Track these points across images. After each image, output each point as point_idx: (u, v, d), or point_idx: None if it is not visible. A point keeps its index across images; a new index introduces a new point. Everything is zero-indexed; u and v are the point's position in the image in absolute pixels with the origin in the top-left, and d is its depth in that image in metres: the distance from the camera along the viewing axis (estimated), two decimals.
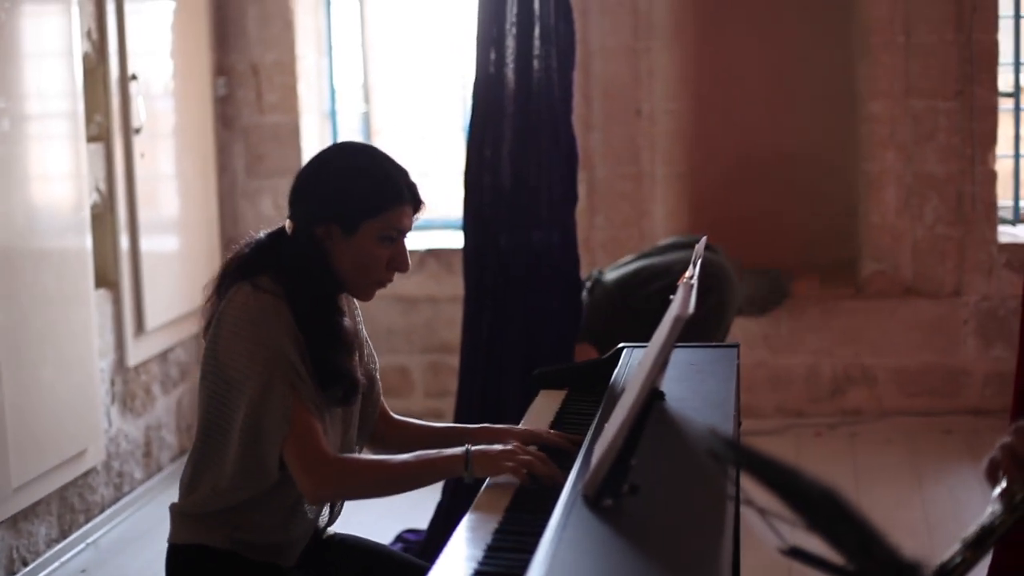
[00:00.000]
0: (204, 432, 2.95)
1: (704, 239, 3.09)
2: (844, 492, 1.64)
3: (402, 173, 3.04)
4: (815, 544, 1.95)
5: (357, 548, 3.22)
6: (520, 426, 3.12)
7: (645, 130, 6.68)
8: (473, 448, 2.84)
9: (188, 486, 3.00)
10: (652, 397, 2.39)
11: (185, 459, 3.10)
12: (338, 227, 2.95)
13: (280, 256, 2.96)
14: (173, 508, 3.04)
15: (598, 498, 2.39)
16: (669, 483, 2.55)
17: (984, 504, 2.10)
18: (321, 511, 3.09)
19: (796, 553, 2.03)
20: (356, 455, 3.05)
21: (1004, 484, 2.09)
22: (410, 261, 3.07)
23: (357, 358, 3.08)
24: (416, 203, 3.04)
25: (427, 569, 3.01)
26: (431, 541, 4.72)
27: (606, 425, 2.65)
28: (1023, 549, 4.20)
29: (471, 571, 2.32)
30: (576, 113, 4.79)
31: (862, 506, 1.68)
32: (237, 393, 2.86)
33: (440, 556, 2.40)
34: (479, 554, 2.39)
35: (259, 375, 2.82)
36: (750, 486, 2.00)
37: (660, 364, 2.38)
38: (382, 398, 3.25)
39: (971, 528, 2.09)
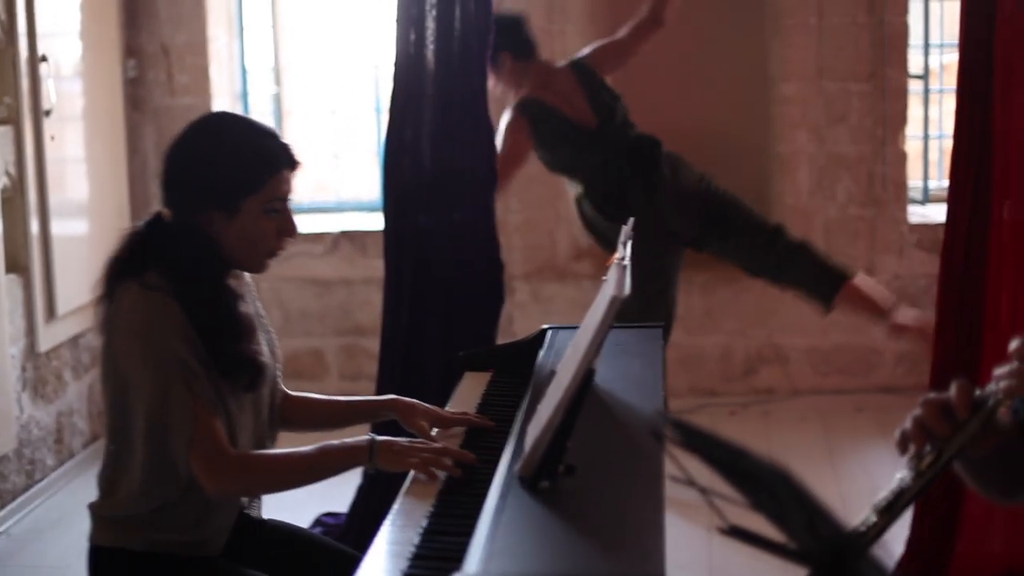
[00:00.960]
0: (111, 434, 2.91)
1: (632, 221, 3.09)
2: (793, 472, 1.64)
3: (272, 137, 2.94)
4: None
5: (285, 534, 3.19)
6: (439, 408, 3.09)
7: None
8: (379, 439, 2.81)
9: (104, 488, 2.95)
10: (589, 377, 2.39)
11: (97, 446, 3.05)
12: (219, 211, 2.87)
13: (162, 248, 2.88)
14: (92, 508, 2.98)
15: (535, 480, 2.38)
16: (605, 463, 2.56)
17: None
18: (239, 499, 3.06)
19: (736, 532, 2.04)
20: (259, 452, 2.96)
21: (912, 452, 2.12)
22: (297, 225, 2.99)
23: (261, 341, 3.02)
24: (293, 164, 2.94)
25: (353, 555, 3.01)
26: (352, 525, 4.69)
27: (539, 406, 2.64)
28: (940, 521, 4.28)
29: (409, 555, 2.31)
30: (491, 96, 4.78)
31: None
32: (135, 398, 2.80)
33: (375, 540, 2.38)
34: (415, 538, 2.38)
35: (154, 380, 2.76)
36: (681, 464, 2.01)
37: (597, 344, 2.38)
38: (279, 378, 3.19)
39: (882, 495, 2.12)
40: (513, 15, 5.79)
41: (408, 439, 2.83)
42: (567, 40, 6.65)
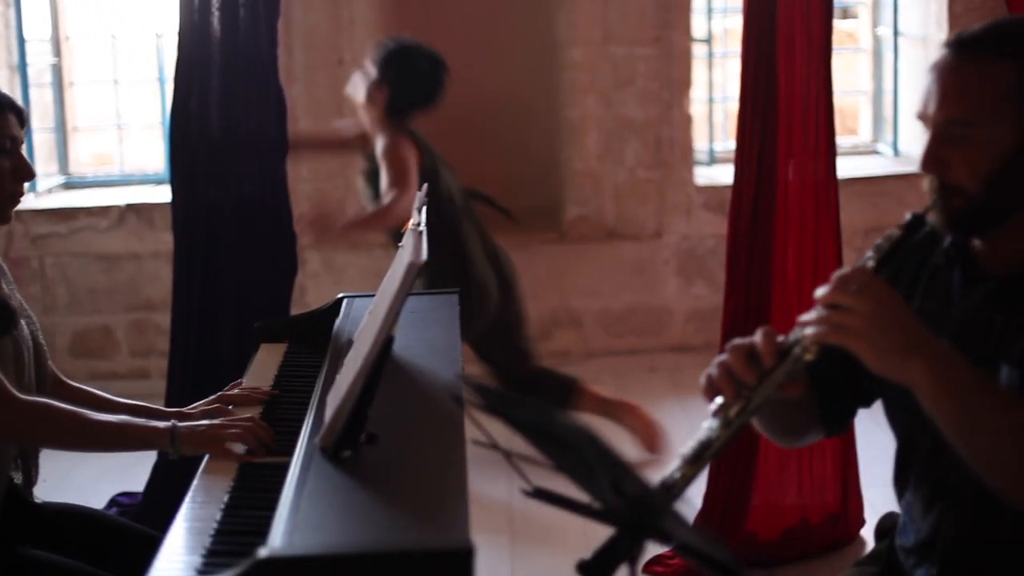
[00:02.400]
0: None
1: (426, 186, 3.08)
2: (598, 432, 1.65)
3: None
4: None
5: (75, 517, 3.10)
6: (234, 391, 3.04)
7: (349, 80, 6.61)
8: (180, 426, 2.76)
9: None
10: (389, 345, 2.37)
11: None
12: None
13: None
14: None
15: (336, 449, 2.36)
16: (407, 430, 2.55)
17: (690, 436, 2.15)
18: (12, 465, 2.94)
19: (540, 494, 2.05)
20: (49, 401, 2.86)
21: (720, 401, 2.14)
22: (33, 168, 2.98)
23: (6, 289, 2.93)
24: (17, 111, 2.93)
25: (152, 535, 2.94)
26: (149, 504, 4.60)
27: (338, 376, 2.62)
28: (736, 474, 4.37)
29: (212, 532, 2.27)
30: (278, 63, 4.70)
31: None
32: None
33: (175, 518, 2.33)
34: (217, 514, 2.34)
35: None
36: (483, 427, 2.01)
37: (395, 311, 2.36)
38: (51, 363, 3.09)
39: (689, 444, 2.14)
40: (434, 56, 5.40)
41: (208, 421, 2.78)
42: (354, 6, 6.59)
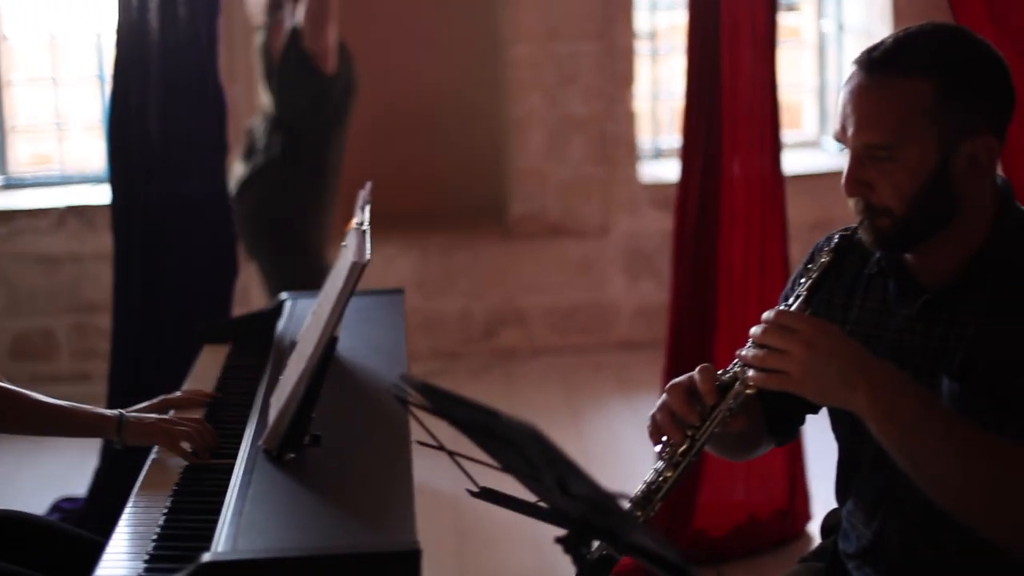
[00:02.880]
0: None
1: (369, 185, 3.05)
2: (544, 432, 1.62)
3: None
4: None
5: (18, 523, 3.04)
6: (178, 393, 2.98)
7: None
8: (128, 415, 2.71)
9: None
10: (332, 345, 2.34)
11: None
12: None
13: None
14: None
15: (280, 452, 2.33)
16: (351, 431, 2.53)
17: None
18: None
19: (487, 494, 2.03)
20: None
21: (665, 441, 2.14)
22: None
23: None
24: None
25: (95, 540, 2.89)
26: (91, 509, 4.54)
27: (281, 377, 2.59)
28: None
29: (154, 536, 2.23)
30: (219, 62, 4.65)
31: None
32: None
33: (118, 523, 2.30)
34: (160, 518, 2.31)
35: None
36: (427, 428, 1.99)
37: (339, 311, 2.33)
38: None
39: (638, 488, 2.15)
40: None
41: (157, 415, 2.74)
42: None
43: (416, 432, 2.26)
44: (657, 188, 6.72)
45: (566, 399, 6.14)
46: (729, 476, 4.41)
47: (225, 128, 4.55)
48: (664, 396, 2.17)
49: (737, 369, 2.11)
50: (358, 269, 2.29)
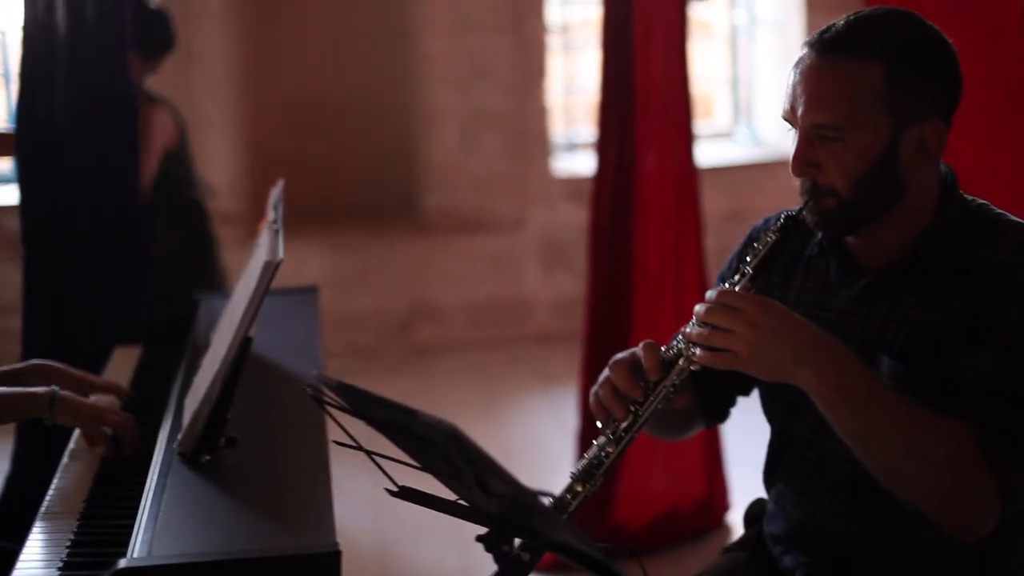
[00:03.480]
0: None
1: (281, 183, 3.02)
2: (462, 431, 1.61)
3: None
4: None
5: None
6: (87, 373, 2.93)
7: (197, 74, 6.50)
8: (61, 392, 2.65)
9: None
10: (247, 345, 2.31)
11: None
12: None
13: None
14: None
15: (196, 454, 2.30)
16: (268, 432, 2.50)
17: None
18: None
19: (406, 493, 2.01)
20: None
21: (609, 417, 2.14)
22: None
23: None
24: None
25: (8, 548, 2.84)
26: (3, 516, 4.47)
27: (195, 379, 2.56)
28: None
29: (68, 543, 2.19)
30: (128, 58, 4.59)
31: None
32: None
33: (32, 530, 2.26)
34: (74, 523, 2.27)
35: None
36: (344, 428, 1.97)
37: (252, 312, 2.30)
38: None
39: (581, 463, 2.14)
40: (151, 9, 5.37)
41: (94, 398, 2.69)
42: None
43: (334, 431, 2.24)
44: (571, 181, 6.73)
45: (484, 393, 6.13)
46: (647, 466, 4.41)
47: (136, 124, 4.49)
48: (607, 372, 2.16)
49: (681, 346, 2.11)
50: (271, 268, 2.26)
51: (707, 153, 6.68)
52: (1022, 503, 2.01)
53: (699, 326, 2.05)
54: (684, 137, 4.32)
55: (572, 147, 7.04)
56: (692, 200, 4.36)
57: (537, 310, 6.82)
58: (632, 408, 2.12)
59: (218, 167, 6.56)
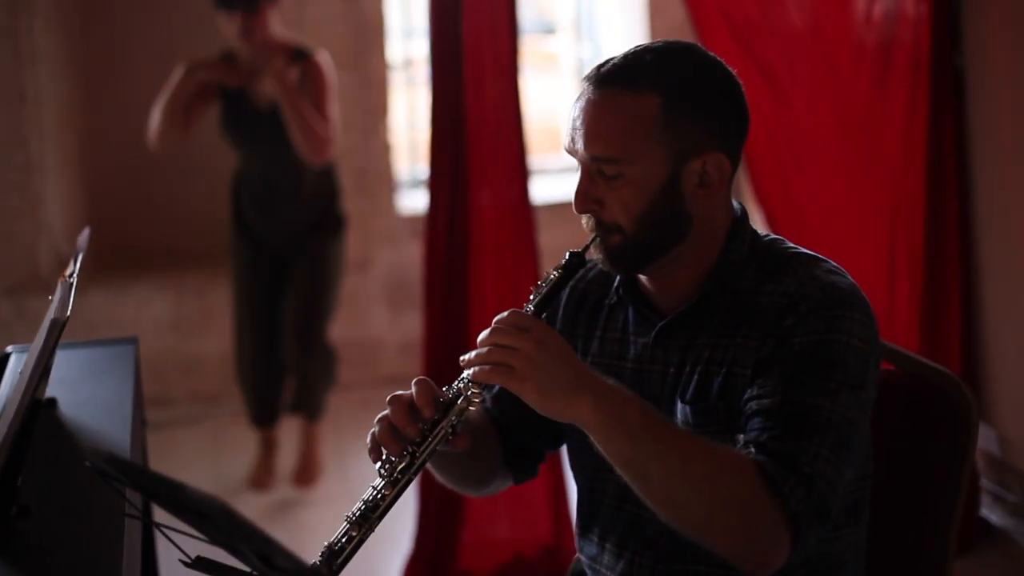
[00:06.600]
0: None
1: (87, 231, 2.88)
2: (229, 503, 1.50)
3: None
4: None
5: None
6: None
7: (32, 116, 6.32)
8: None
9: None
10: (36, 408, 2.17)
11: None
12: None
13: None
14: None
15: None
16: (63, 501, 2.35)
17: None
18: None
19: (201, 563, 1.91)
20: None
21: (385, 457, 2.06)
22: None
23: None
24: None
25: None
26: None
27: None
28: (444, 511, 4.27)
29: None
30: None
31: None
32: None
33: None
34: None
35: None
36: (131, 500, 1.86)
37: (40, 372, 2.17)
38: None
39: (355, 505, 2.06)
40: None
41: None
42: (35, 38, 6.30)
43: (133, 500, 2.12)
44: (416, 219, 6.62)
45: (333, 436, 5.99)
46: (492, 511, 4.32)
47: None
48: (386, 408, 2.07)
49: (461, 385, 2.02)
50: (58, 327, 2.13)
51: (554, 187, 6.64)
52: (813, 532, 1.93)
53: (481, 350, 1.97)
54: (518, 172, 4.24)
55: (417, 184, 6.96)
56: (528, 236, 4.27)
57: (386, 351, 6.71)
58: (409, 449, 2.02)
59: (56, 214, 6.38)
